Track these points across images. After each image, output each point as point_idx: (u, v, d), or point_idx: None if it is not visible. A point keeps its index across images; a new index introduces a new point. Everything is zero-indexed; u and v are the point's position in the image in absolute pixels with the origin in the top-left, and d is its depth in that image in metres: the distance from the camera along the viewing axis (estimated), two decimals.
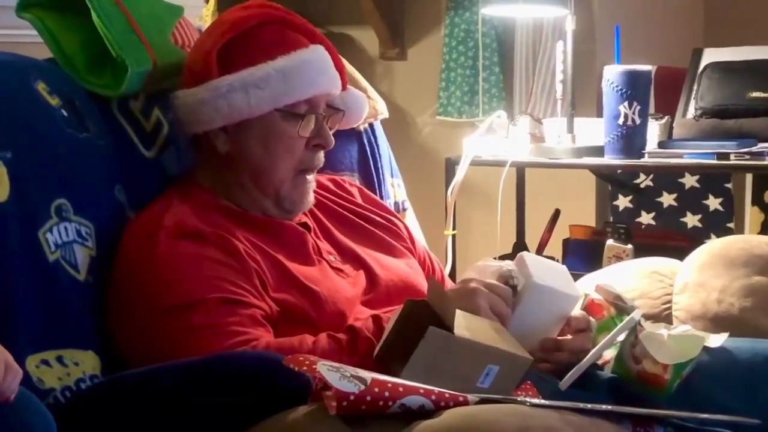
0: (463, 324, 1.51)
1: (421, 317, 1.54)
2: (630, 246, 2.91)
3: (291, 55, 1.80)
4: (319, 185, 1.96)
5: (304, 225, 1.86)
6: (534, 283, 1.66)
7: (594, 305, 1.74)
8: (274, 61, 1.78)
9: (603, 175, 3.42)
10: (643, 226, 3.65)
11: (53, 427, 1.31)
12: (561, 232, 3.10)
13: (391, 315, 1.63)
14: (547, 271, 1.70)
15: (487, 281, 1.66)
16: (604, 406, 1.45)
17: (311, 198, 1.87)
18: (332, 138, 1.85)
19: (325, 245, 1.86)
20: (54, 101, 1.75)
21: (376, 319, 1.67)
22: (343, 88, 1.92)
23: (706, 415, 1.52)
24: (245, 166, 1.81)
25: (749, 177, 3.50)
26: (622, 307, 1.74)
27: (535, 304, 1.67)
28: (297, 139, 1.80)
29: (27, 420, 1.28)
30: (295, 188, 1.83)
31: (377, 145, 2.25)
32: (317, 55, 1.83)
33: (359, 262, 1.86)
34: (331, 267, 1.82)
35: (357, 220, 1.95)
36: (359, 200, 2.01)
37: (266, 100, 1.77)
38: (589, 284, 1.96)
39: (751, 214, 3.49)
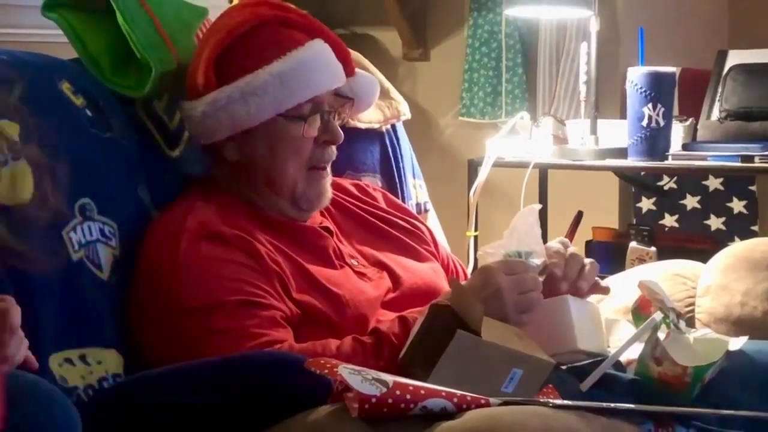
0: (487, 328, 1.51)
1: (445, 322, 1.54)
2: (653, 248, 2.91)
3: (287, 56, 1.76)
4: (343, 190, 1.96)
5: (326, 229, 1.86)
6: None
7: (645, 301, 1.74)
8: (270, 65, 1.75)
9: (626, 177, 3.41)
10: (666, 229, 3.64)
11: (77, 421, 1.32)
12: (584, 234, 3.09)
13: (417, 315, 1.63)
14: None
15: (504, 264, 1.65)
16: (627, 405, 1.45)
17: (329, 195, 1.85)
18: (341, 133, 1.82)
19: (347, 249, 1.86)
20: (78, 101, 1.76)
21: (403, 321, 1.66)
22: (351, 74, 1.88)
23: (728, 411, 1.51)
24: (256, 171, 1.80)
25: None
26: (663, 308, 1.73)
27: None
28: (304, 140, 1.79)
29: (52, 413, 1.29)
30: (310, 186, 1.81)
31: (399, 146, 2.24)
32: (315, 51, 1.79)
33: (382, 266, 1.86)
34: (354, 271, 1.82)
35: (380, 224, 1.94)
36: (383, 204, 2.00)
37: (267, 107, 1.75)
38: (619, 284, 1.97)
39: None
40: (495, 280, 1.63)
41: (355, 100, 1.89)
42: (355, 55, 2.12)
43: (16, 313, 1.26)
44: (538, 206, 1.79)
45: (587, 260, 1.77)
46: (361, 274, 1.82)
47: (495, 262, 1.68)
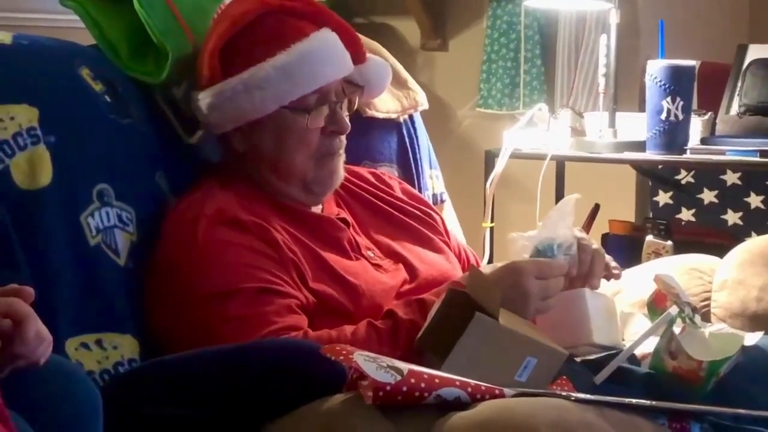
0: (504, 317, 1.52)
1: (462, 308, 1.54)
2: (670, 242, 2.89)
3: (291, 48, 1.75)
4: (360, 177, 1.96)
5: (343, 220, 1.86)
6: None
7: (661, 295, 1.74)
8: (274, 58, 1.74)
9: (644, 170, 3.40)
10: (683, 223, 3.62)
11: (99, 401, 1.33)
12: (600, 227, 3.08)
13: (435, 298, 1.62)
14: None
15: (534, 266, 1.64)
16: (645, 401, 1.44)
17: (341, 174, 1.84)
18: (347, 123, 1.82)
19: (363, 240, 1.86)
20: (97, 87, 1.76)
21: (421, 304, 1.66)
22: (362, 60, 1.87)
23: (744, 411, 1.51)
24: (264, 162, 1.81)
25: None
26: (678, 302, 1.73)
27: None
28: (310, 131, 1.78)
29: (74, 392, 1.30)
30: (321, 171, 1.81)
31: (417, 137, 2.24)
32: (320, 42, 1.78)
33: (398, 258, 1.86)
34: (370, 263, 1.82)
35: (396, 213, 1.94)
36: (399, 194, 2.00)
37: (271, 100, 1.75)
38: (635, 277, 1.96)
39: None
40: (525, 284, 1.63)
41: (366, 86, 1.88)
42: (374, 45, 2.11)
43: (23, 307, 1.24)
44: (576, 196, 1.77)
45: (594, 246, 1.76)
46: (377, 266, 1.82)
47: (526, 262, 1.67)
